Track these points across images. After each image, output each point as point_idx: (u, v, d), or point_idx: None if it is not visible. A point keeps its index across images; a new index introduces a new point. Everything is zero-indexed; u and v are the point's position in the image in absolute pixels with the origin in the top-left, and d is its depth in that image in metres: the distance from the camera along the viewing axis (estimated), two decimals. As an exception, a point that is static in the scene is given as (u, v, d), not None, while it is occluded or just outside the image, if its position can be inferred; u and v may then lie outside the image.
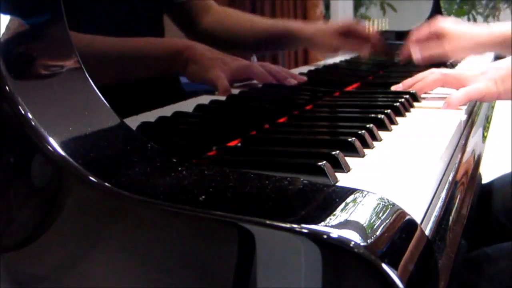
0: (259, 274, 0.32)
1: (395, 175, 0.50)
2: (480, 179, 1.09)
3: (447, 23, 1.19)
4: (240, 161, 0.54)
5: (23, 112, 0.36)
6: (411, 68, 1.23)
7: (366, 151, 0.58)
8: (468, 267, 0.74)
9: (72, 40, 0.40)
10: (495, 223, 0.96)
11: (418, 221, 0.43)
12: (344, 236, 0.30)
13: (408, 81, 0.94)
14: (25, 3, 0.39)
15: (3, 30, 0.37)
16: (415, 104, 0.86)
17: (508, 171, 1.09)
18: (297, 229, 0.31)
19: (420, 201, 0.47)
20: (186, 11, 0.60)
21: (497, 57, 1.29)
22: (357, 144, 0.57)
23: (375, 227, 0.33)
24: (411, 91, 0.89)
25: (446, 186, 0.55)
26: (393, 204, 0.36)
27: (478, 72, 0.86)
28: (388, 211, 0.35)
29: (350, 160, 0.54)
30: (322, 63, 0.96)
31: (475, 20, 4.16)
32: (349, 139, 0.57)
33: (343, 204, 0.34)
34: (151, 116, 0.51)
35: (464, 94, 0.82)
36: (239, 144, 0.63)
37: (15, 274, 0.41)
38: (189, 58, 0.58)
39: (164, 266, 0.35)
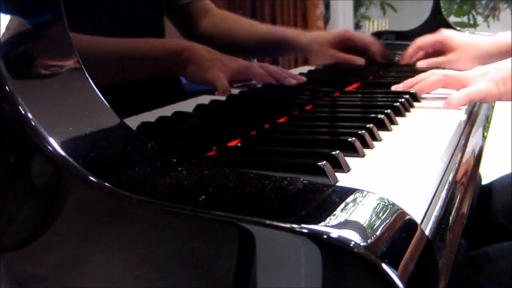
0: (259, 274, 0.32)
1: (395, 175, 0.50)
2: (480, 179, 1.09)
3: (453, 33, 1.20)
4: (240, 161, 0.54)
5: (23, 112, 0.36)
6: (411, 68, 1.23)
7: (366, 151, 0.58)
8: (468, 267, 0.74)
9: (72, 40, 0.40)
10: (495, 223, 0.96)
11: (418, 221, 0.43)
12: (344, 236, 0.30)
13: (409, 82, 0.94)
14: (25, 3, 0.39)
15: (3, 30, 0.37)
16: (415, 104, 0.86)
17: (508, 171, 1.09)
18: (297, 229, 0.31)
19: (420, 201, 0.47)
20: (185, 13, 0.60)
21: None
22: (357, 144, 0.57)
23: (375, 227, 0.33)
24: (411, 91, 0.89)
25: (446, 186, 0.55)
26: (393, 204, 0.36)
27: (479, 73, 0.86)
28: (388, 211, 0.35)
29: (350, 160, 0.54)
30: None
31: (475, 20, 4.16)
32: (349, 139, 0.57)
33: (343, 204, 0.34)
34: (151, 116, 0.51)
35: (465, 95, 0.82)
36: (239, 144, 0.63)
37: (15, 274, 0.41)
38: (188, 59, 0.58)
39: (164, 266, 0.35)
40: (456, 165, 0.62)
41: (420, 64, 1.20)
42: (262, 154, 0.58)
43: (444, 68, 1.08)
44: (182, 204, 0.34)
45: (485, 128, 0.95)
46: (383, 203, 0.36)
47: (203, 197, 0.35)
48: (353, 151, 0.57)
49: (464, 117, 0.77)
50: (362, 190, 0.37)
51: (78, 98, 0.40)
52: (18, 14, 0.38)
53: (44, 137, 0.36)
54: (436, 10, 1.57)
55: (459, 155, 0.65)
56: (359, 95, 1.01)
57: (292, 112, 0.78)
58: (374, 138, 0.63)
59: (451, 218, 0.50)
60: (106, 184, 0.36)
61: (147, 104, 0.51)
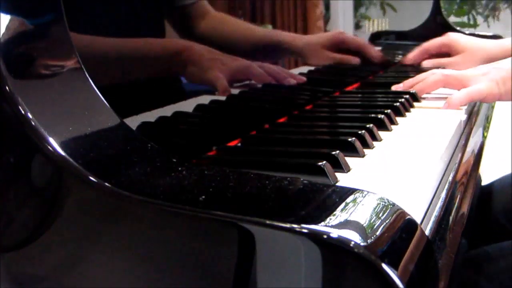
0: (259, 274, 0.32)
1: (395, 175, 0.50)
2: (480, 180, 1.09)
3: (459, 36, 1.20)
4: (240, 161, 0.54)
5: (23, 112, 0.36)
6: (411, 68, 1.23)
7: (366, 151, 0.58)
8: (468, 266, 0.74)
9: (72, 40, 0.40)
10: (495, 224, 0.97)
11: (418, 221, 0.43)
12: (344, 236, 0.30)
13: (409, 82, 0.94)
14: (25, 3, 0.39)
15: (3, 30, 0.37)
16: (415, 104, 0.86)
17: (508, 172, 1.09)
18: (297, 229, 0.31)
19: (420, 201, 0.47)
20: (185, 15, 0.60)
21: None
22: (357, 144, 0.57)
23: (375, 227, 0.33)
24: (411, 91, 0.89)
25: (446, 186, 0.55)
26: (393, 204, 0.36)
27: (480, 72, 0.86)
28: (388, 211, 0.35)
29: (350, 160, 0.54)
30: (322, 63, 0.96)
31: (475, 20, 4.16)
32: (349, 139, 0.57)
33: (343, 204, 0.34)
34: (151, 116, 0.51)
35: (466, 95, 0.82)
36: (239, 144, 0.63)
37: (15, 274, 0.41)
38: (188, 59, 0.58)
39: (164, 266, 0.35)
40: (456, 165, 0.62)
41: (426, 64, 1.20)
42: (262, 154, 0.58)
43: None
44: (182, 204, 0.34)
45: (485, 128, 0.95)
46: (383, 203, 0.36)
47: (203, 197, 0.35)
48: (353, 151, 0.57)
49: (464, 117, 0.77)
50: (362, 190, 0.37)
51: (78, 98, 0.40)
52: (18, 14, 0.38)
53: (44, 137, 0.36)
54: (436, 10, 1.57)
55: (459, 155, 0.66)
56: (359, 95, 1.01)
57: (292, 112, 0.78)
58: (374, 138, 0.63)
59: (451, 218, 0.50)
60: (106, 184, 0.36)
61: (147, 104, 0.51)
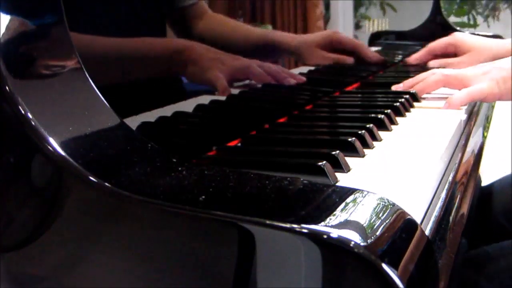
0: (259, 274, 0.32)
1: (395, 175, 0.50)
2: (480, 180, 1.09)
3: (465, 36, 1.20)
4: (240, 161, 0.54)
5: (23, 112, 0.36)
6: (411, 68, 1.23)
7: (366, 151, 0.58)
8: (468, 266, 0.74)
9: (72, 40, 0.40)
10: (495, 224, 0.97)
11: (418, 221, 0.43)
12: (344, 236, 0.30)
13: (409, 81, 0.94)
14: (25, 3, 0.39)
15: (3, 30, 0.37)
16: (415, 104, 0.86)
17: (508, 172, 1.09)
18: (297, 229, 0.31)
19: (420, 201, 0.47)
20: (184, 16, 0.60)
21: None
22: (357, 144, 0.57)
23: (375, 227, 0.33)
24: (411, 91, 0.89)
25: (446, 186, 0.55)
26: (393, 204, 0.36)
27: (480, 72, 0.86)
28: (388, 211, 0.35)
29: (350, 160, 0.54)
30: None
31: (475, 20, 4.16)
32: (349, 139, 0.57)
33: (343, 204, 0.34)
34: (151, 116, 0.51)
35: (466, 95, 0.82)
36: (239, 144, 0.63)
37: (15, 274, 0.41)
38: (189, 59, 0.58)
39: (164, 266, 0.35)
40: (456, 165, 0.62)
41: (432, 64, 1.20)
42: (262, 154, 0.58)
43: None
44: (182, 204, 0.34)
45: (485, 128, 0.95)
46: (383, 203, 0.36)
47: (203, 197, 0.35)
48: (353, 151, 0.57)
49: (464, 117, 0.77)
50: (362, 190, 0.37)
51: (78, 98, 0.40)
52: (18, 14, 0.38)
53: (44, 137, 0.36)
54: (436, 10, 1.57)
55: (459, 155, 0.66)
56: (359, 95, 1.01)
57: (292, 112, 0.78)
58: (374, 138, 0.63)
59: (451, 218, 0.50)
60: (106, 184, 0.36)
61: (147, 104, 0.51)
